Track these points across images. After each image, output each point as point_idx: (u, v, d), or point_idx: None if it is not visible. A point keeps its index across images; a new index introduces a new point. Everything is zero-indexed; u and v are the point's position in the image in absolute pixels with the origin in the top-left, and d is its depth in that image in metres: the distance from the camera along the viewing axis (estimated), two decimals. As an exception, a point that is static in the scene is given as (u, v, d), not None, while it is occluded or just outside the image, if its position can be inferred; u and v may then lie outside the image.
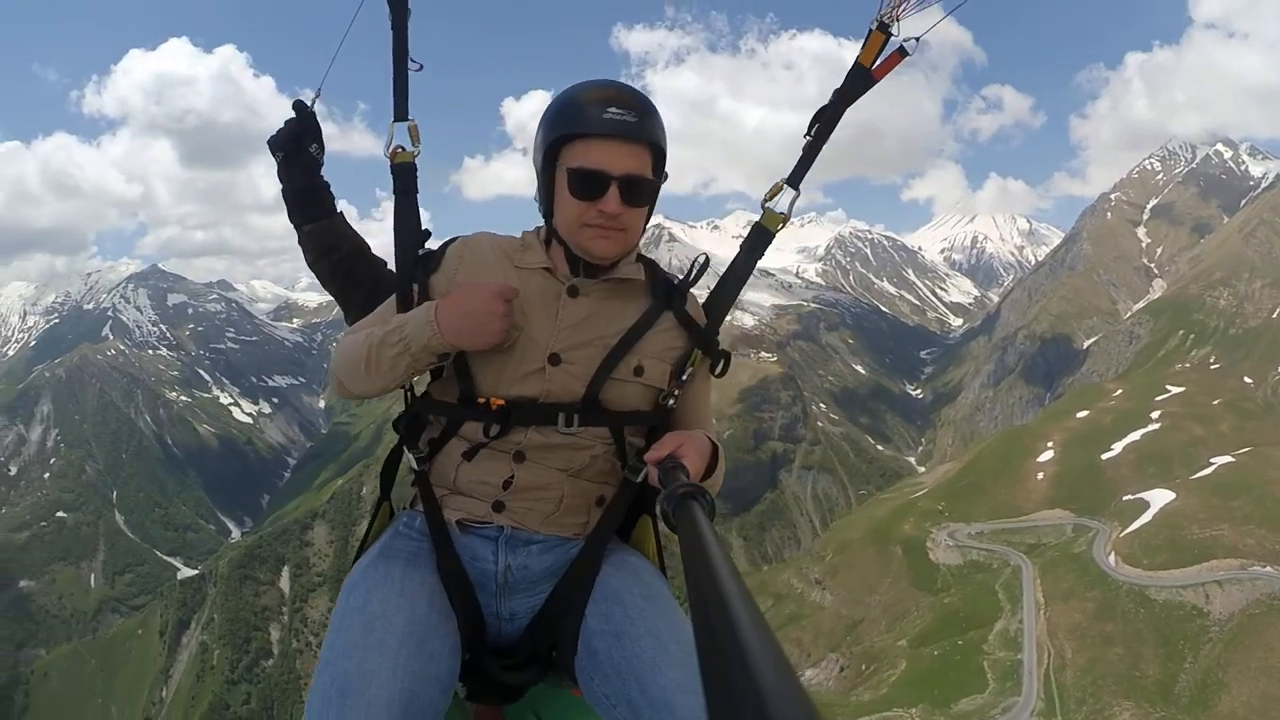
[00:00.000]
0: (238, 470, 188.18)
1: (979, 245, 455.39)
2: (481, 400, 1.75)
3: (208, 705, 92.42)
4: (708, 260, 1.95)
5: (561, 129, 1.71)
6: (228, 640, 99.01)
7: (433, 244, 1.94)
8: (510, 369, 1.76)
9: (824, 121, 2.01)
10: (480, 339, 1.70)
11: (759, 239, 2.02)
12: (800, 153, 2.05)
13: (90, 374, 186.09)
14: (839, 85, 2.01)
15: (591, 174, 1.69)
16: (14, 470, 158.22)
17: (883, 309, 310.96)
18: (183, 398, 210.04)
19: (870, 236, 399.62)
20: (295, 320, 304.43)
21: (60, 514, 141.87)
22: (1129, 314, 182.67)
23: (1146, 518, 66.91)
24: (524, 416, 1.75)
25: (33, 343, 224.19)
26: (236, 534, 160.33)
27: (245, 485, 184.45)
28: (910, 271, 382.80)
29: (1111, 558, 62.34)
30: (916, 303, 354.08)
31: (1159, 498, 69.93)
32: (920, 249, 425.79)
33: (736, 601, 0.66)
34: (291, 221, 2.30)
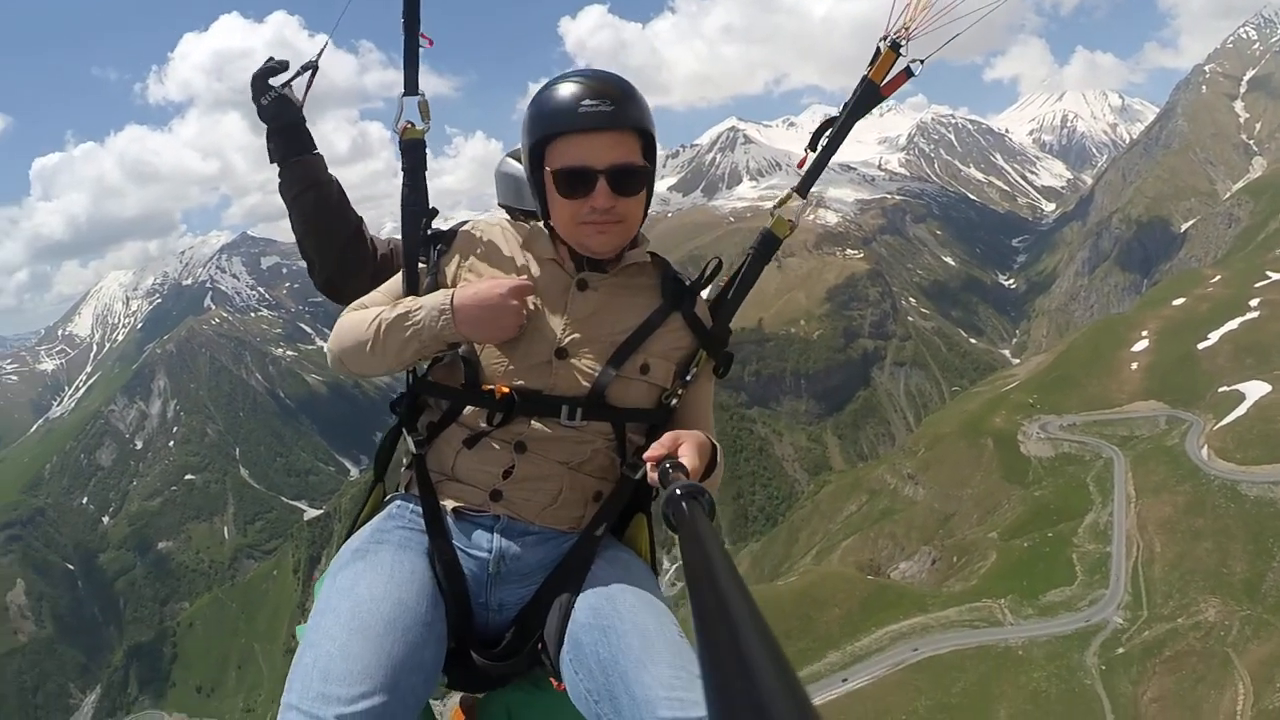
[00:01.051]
0: (348, 413, 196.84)
1: (1069, 124, 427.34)
2: (487, 388, 1.74)
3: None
4: (720, 263, 1.93)
5: (540, 131, 1.70)
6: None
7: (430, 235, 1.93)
8: (517, 359, 1.75)
9: (832, 135, 2.03)
10: (495, 333, 1.71)
11: (767, 246, 2.02)
12: (807, 167, 2.06)
13: (199, 344, 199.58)
14: (847, 99, 2.03)
15: (576, 171, 1.68)
16: (140, 444, 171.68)
17: (971, 197, 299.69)
18: (289, 352, 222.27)
19: (954, 121, 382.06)
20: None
21: (189, 476, 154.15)
22: (1228, 195, 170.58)
23: (1241, 410, 64.33)
24: (528, 407, 1.74)
25: (140, 325, 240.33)
26: (354, 472, 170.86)
27: (357, 426, 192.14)
28: (998, 156, 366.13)
29: (1204, 451, 60.36)
30: (1006, 189, 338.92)
31: (1255, 390, 66.83)
32: (1007, 131, 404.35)
33: (737, 601, 0.66)
34: (274, 159, 2.31)
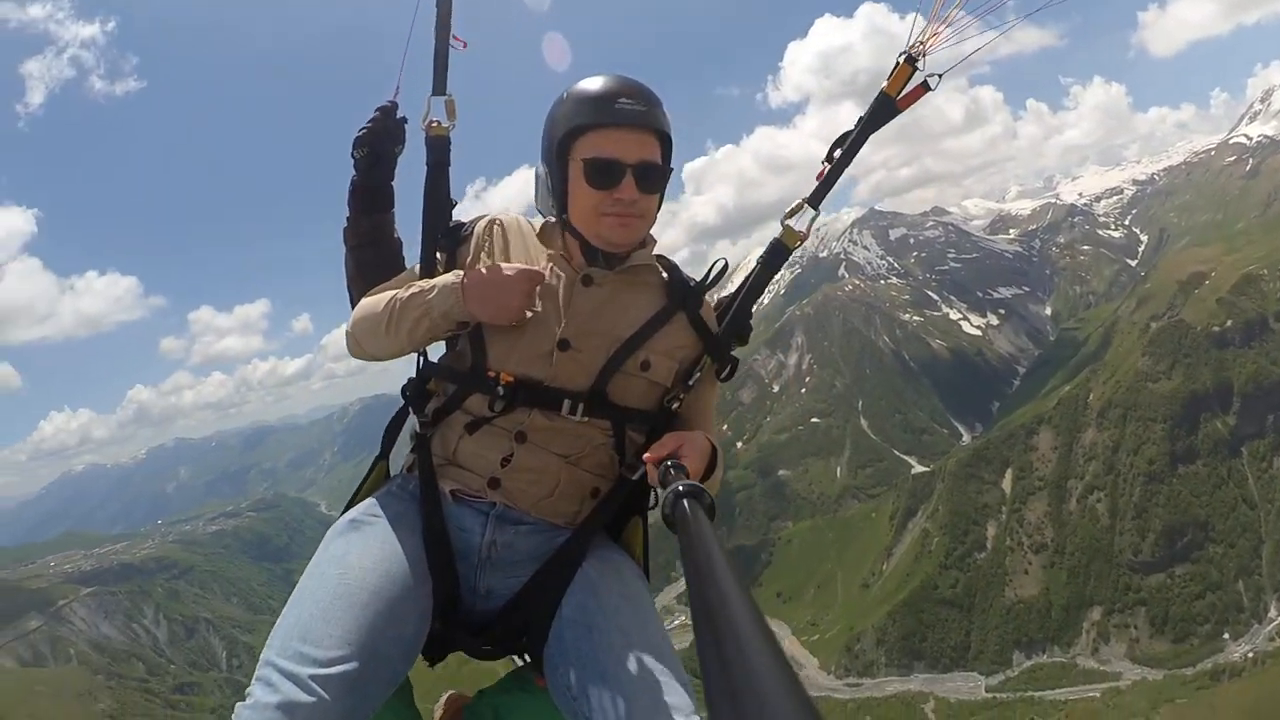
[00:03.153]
0: (969, 379, 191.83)
1: None
2: (491, 374, 1.76)
3: (919, 583, 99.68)
4: (726, 265, 1.96)
5: (575, 121, 1.74)
6: (948, 530, 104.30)
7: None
8: (521, 348, 1.78)
9: (846, 147, 2.02)
10: (501, 313, 1.73)
11: (776, 255, 2.02)
12: (822, 179, 2.04)
13: (833, 308, 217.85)
14: (862, 113, 2.03)
15: (607, 163, 1.72)
16: (776, 389, 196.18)
17: None
18: (915, 318, 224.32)
19: None
20: (1011, 231, 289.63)
21: (814, 419, 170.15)
22: None
23: None
24: (529, 397, 1.76)
25: (783, 291, 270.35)
26: (966, 438, 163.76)
27: (976, 393, 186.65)
28: None
29: None
30: None
31: None
32: None
33: (737, 601, 0.66)
34: (352, 210, 2.29)
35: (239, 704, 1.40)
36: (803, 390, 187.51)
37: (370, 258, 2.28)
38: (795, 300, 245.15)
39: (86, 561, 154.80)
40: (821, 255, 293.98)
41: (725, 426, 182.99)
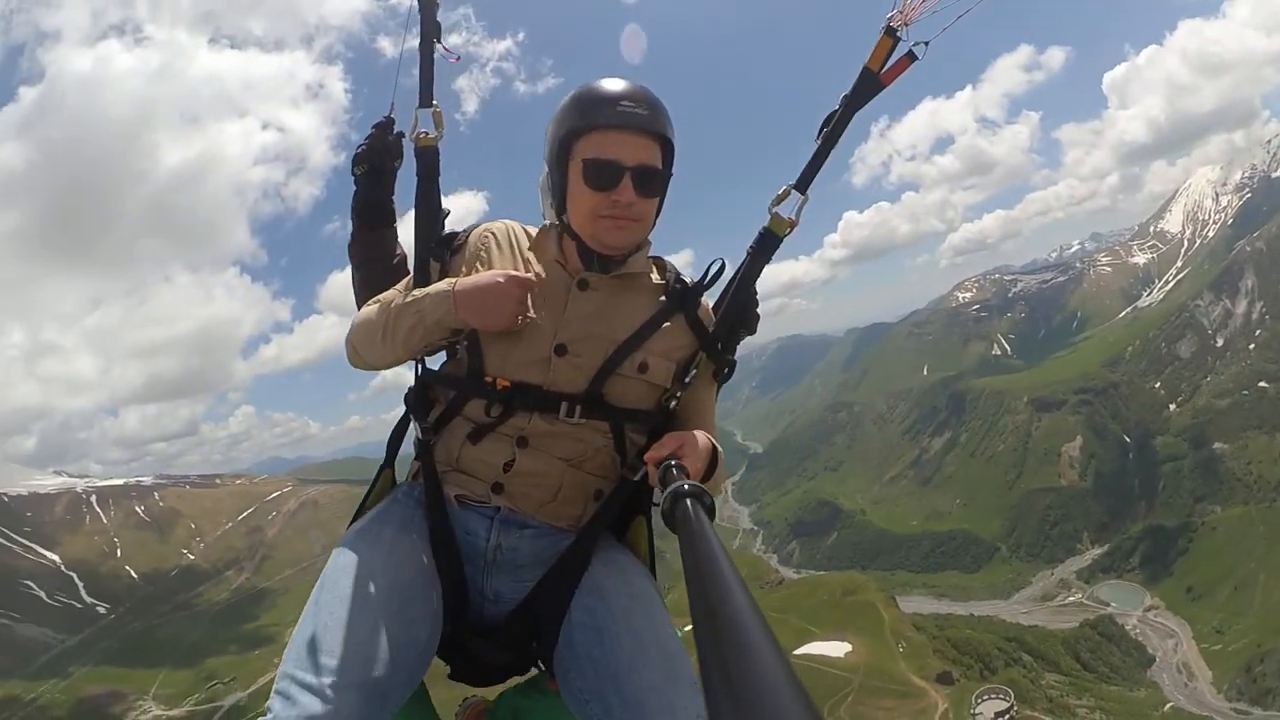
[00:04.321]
0: None
1: None
2: (489, 379, 1.78)
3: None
4: (724, 265, 1.93)
5: (575, 122, 1.75)
6: None
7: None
8: (517, 354, 1.79)
9: (832, 127, 1.97)
10: (493, 319, 1.74)
11: (766, 244, 1.98)
12: (807, 162, 2.00)
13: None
14: (846, 91, 1.95)
15: (606, 164, 1.72)
16: (1220, 342, 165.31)
17: None
18: None
19: None
20: None
21: (1262, 384, 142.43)
22: None
23: None
24: (528, 402, 1.77)
25: (1230, 221, 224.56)
26: None
27: None
28: None
29: None
30: None
31: None
32: None
33: (738, 601, 0.66)
34: (356, 226, 2.40)
35: None
36: (1251, 346, 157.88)
37: (376, 273, 2.34)
38: (1245, 232, 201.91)
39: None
40: (1275, 175, 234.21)
41: (1158, 384, 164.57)
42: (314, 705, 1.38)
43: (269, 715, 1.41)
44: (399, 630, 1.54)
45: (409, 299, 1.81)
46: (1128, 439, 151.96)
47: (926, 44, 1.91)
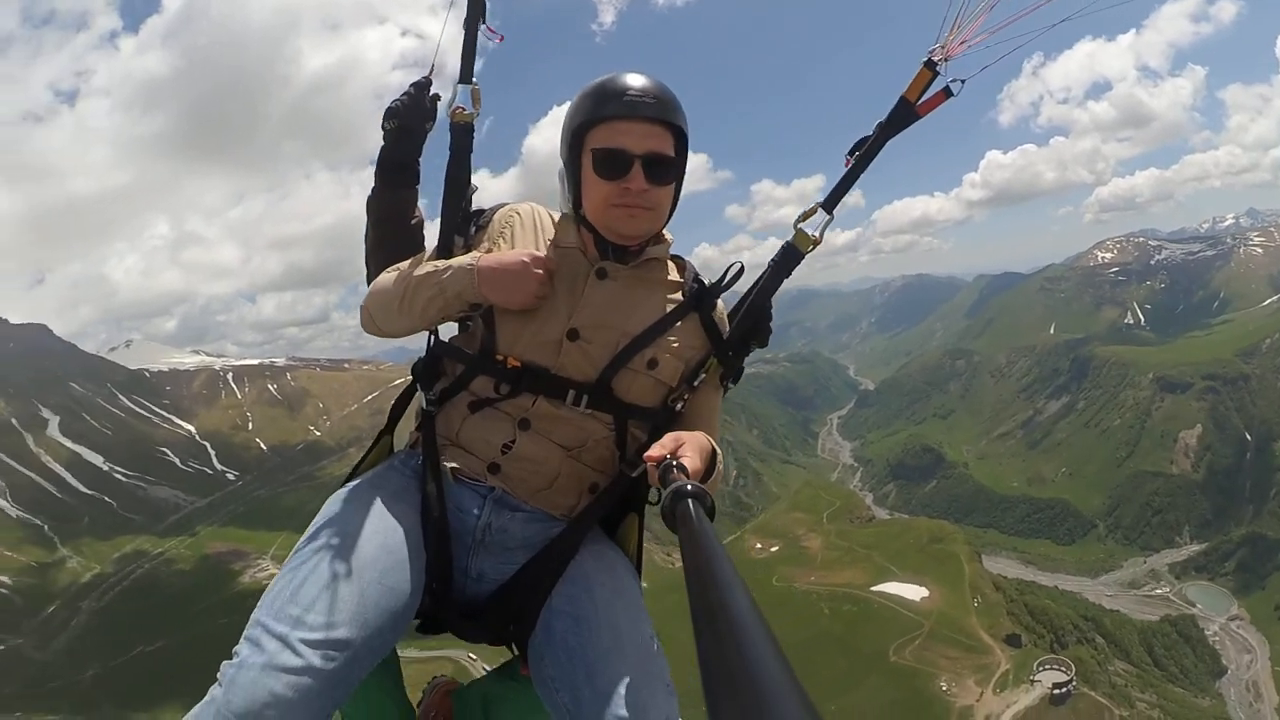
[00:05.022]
0: None
1: None
2: (499, 357, 1.80)
3: None
4: (743, 268, 1.95)
5: (586, 114, 1.78)
6: None
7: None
8: (530, 334, 1.81)
9: (864, 152, 2.01)
10: (513, 296, 1.77)
11: (788, 258, 2.02)
12: (835, 183, 2.06)
13: None
14: (882, 119, 2.01)
15: (614, 153, 1.76)
16: None
17: None
18: None
19: None
20: None
21: None
22: None
23: None
24: (535, 384, 1.79)
25: None
26: None
27: None
28: None
29: None
30: None
31: None
32: None
33: (738, 601, 0.66)
34: (378, 182, 2.33)
35: (224, 662, 1.41)
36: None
37: (390, 232, 2.32)
38: None
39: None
40: None
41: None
42: (282, 656, 1.39)
43: (235, 659, 1.42)
44: (379, 595, 1.54)
45: (430, 269, 1.83)
46: (1249, 436, 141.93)
47: (963, 82, 1.97)
